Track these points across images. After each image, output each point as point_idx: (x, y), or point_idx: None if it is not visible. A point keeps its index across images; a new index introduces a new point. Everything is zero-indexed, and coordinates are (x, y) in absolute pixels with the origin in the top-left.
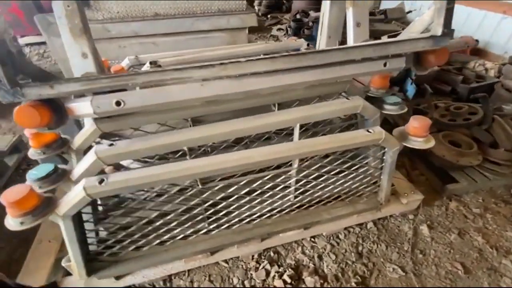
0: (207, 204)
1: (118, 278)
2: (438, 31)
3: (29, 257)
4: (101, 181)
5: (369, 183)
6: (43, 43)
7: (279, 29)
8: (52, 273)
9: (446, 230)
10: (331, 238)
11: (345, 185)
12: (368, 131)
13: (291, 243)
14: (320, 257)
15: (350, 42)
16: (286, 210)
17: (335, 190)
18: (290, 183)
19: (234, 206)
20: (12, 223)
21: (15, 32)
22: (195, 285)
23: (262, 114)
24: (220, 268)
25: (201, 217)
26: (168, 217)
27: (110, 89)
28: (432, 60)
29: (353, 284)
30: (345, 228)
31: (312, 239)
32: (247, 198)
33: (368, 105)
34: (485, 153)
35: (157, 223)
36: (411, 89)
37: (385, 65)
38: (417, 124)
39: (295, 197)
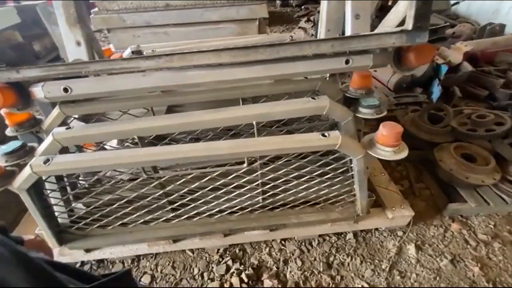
0: (159, 193)
1: (87, 251)
2: (409, 24)
3: (21, 223)
4: (46, 161)
5: (340, 191)
6: None
7: (307, 21)
8: None
9: (437, 254)
10: (303, 243)
11: (310, 190)
12: (323, 134)
13: (259, 243)
14: (285, 262)
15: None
16: (249, 209)
17: (300, 195)
18: (242, 182)
19: (188, 199)
20: None
21: None
22: (159, 268)
23: (216, 109)
24: (185, 257)
25: (156, 205)
26: (122, 201)
27: (65, 75)
28: (411, 59)
29: None
30: (320, 236)
31: (283, 242)
32: (199, 192)
33: (336, 106)
34: (506, 171)
35: (113, 206)
36: (436, 91)
37: (347, 62)
38: (385, 132)
39: (253, 197)
